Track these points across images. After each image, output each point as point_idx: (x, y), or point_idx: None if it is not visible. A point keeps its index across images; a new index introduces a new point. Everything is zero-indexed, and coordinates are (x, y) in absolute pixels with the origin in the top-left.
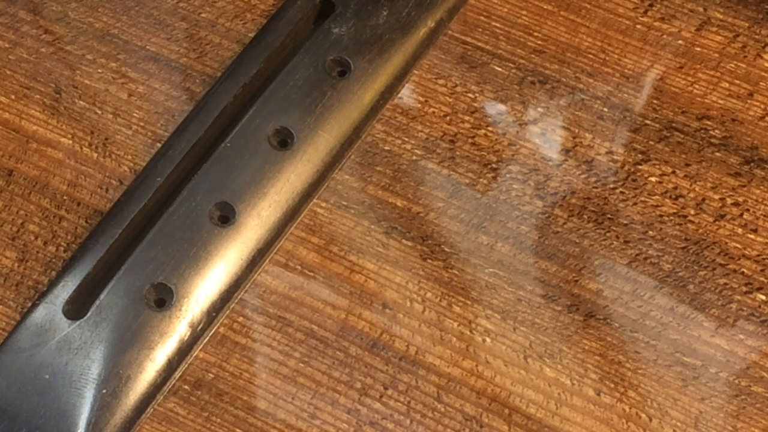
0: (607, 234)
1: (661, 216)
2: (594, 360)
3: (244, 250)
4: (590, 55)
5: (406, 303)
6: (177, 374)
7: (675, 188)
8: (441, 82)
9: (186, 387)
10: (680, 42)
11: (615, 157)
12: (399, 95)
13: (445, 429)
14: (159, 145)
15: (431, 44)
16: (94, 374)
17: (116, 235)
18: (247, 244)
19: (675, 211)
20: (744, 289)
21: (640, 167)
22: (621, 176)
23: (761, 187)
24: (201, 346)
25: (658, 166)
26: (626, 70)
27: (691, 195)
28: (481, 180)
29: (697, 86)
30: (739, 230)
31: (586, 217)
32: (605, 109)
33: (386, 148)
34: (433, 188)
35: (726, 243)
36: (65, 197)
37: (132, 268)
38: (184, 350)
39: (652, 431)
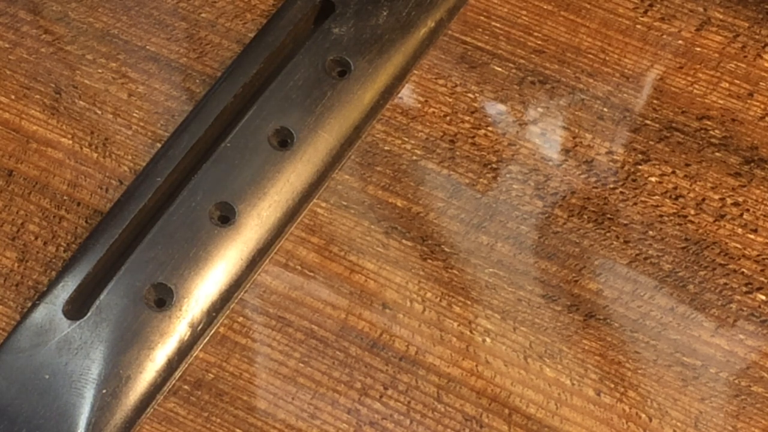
0: (607, 234)
1: (661, 216)
2: (594, 360)
3: (244, 250)
4: (590, 55)
5: (406, 303)
6: (177, 374)
7: (675, 188)
8: (441, 82)
9: (186, 387)
10: (680, 42)
11: (615, 157)
12: (399, 95)
13: (445, 429)
14: (159, 145)
15: (431, 44)
16: (94, 374)
17: (116, 235)
18: (247, 244)
19: (675, 211)
20: (744, 289)
21: (640, 167)
22: (621, 176)
23: (761, 187)
24: (201, 346)
25: (658, 166)
26: (626, 70)
27: (691, 195)
28: (481, 180)
29: (697, 86)
30: (739, 230)
31: (586, 217)
32: (605, 109)
33: (386, 148)
34: (433, 188)
35: (726, 243)
36: (65, 197)
37: (132, 268)
38: (184, 350)
39: (652, 431)
